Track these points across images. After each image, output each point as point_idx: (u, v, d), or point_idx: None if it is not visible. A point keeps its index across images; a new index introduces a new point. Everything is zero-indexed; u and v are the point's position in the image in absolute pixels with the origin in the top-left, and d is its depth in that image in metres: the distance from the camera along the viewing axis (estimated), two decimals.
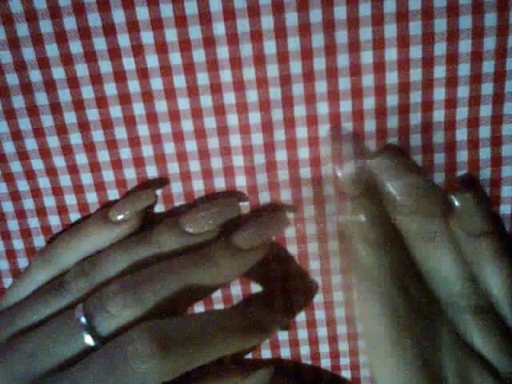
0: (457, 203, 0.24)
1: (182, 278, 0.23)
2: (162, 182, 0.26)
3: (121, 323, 0.22)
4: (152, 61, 0.24)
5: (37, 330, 0.23)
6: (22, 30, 0.23)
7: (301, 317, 0.29)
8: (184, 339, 0.21)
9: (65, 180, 0.26)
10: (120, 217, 0.25)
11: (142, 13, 0.23)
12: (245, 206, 0.26)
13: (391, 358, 0.22)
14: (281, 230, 0.26)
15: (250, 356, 0.30)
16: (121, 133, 0.25)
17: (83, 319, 0.22)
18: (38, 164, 0.26)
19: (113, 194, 0.26)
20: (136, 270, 0.23)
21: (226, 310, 0.24)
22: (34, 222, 0.27)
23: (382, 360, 0.23)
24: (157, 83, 0.24)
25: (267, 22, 0.23)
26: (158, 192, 0.26)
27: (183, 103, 0.25)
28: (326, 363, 0.30)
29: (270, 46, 0.23)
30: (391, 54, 0.24)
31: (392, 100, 0.24)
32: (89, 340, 0.22)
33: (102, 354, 0.21)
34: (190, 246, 0.24)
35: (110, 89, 0.24)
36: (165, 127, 0.25)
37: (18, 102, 0.25)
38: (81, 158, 0.26)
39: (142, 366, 0.20)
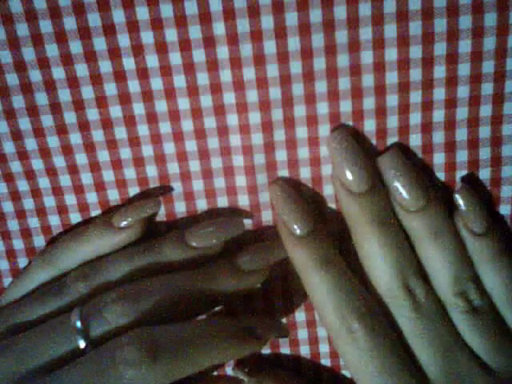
0: (460, 201, 0.24)
1: (183, 293, 0.23)
2: (165, 188, 0.26)
3: (116, 331, 0.22)
4: (152, 61, 0.24)
5: (30, 330, 0.23)
6: (22, 29, 0.23)
7: (301, 317, 0.29)
8: (174, 347, 0.21)
9: (65, 180, 0.26)
10: (123, 223, 0.25)
11: (142, 13, 0.23)
12: (245, 207, 0.26)
13: (377, 359, 0.23)
14: (284, 256, 0.26)
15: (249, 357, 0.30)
16: (121, 133, 0.25)
17: (78, 323, 0.22)
18: (37, 164, 0.26)
19: (113, 194, 0.26)
20: (137, 279, 0.23)
21: (219, 319, 0.24)
22: (33, 222, 0.27)
23: (364, 362, 0.23)
24: (157, 83, 0.24)
25: (267, 21, 0.23)
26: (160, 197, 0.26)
27: (183, 103, 0.25)
28: (325, 363, 0.30)
29: (269, 46, 0.23)
30: (391, 54, 0.24)
31: (392, 100, 0.24)
32: (81, 344, 0.22)
33: (91, 357, 0.21)
34: (193, 259, 0.24)
35: (110, 89, 0.24)
36: (165, 127, 0.25)
37: (18, 101, 0.25)
38: (81, 158, 0.26)
39: (129, 372, 0.20)
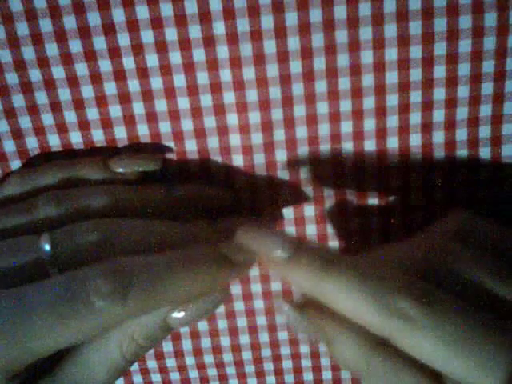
0: None
1: (159, 240, 0.22)
2: (166, 148, 0.26)
3: (86, 260, 0.20)
4: (152, 60, 0.24)
5: None
6: (22, 29, 0.23)
7: None
8: (148, 280, 0.19)
9: None
10: (119, 169, 0.24)
11: (142, 12, 0.23)
12: (243, 205, 0.26)
13: None
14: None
15: (250, 356, 0.30)
16: (121, 132, 0.25)
17: (47, 246, 0.21)
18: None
19: None
20: (113, 216, 0.22)
21: (194, 246, 0.22)
22: None
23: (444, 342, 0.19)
24: (157, 82, 0.24)
25: (267, 21, 0.23)
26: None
27: (183, 102, 0.25)
28: (325, 362, 0.30)
29: (269, 46, 0.23)
30: (391, 54, 0.24)
31: (392, 100, 0.24)
32: (49, 268, 0.21)
33: (60, 280, 0.19)
34: (177, 213, 0.24)
35: (110, 88, 0.24)
36: (164, 127, 0.25)
37: (18, 100, 0.25)
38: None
39: (100, 302, 0.19)
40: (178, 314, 0.21)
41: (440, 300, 0.19)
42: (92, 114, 0.25)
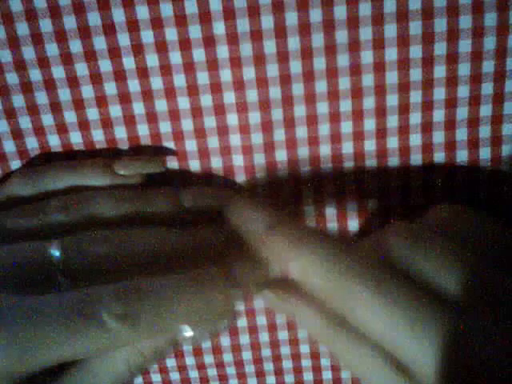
0: None
1: (167, 248, 0.22)
2: (168, 151, 0.26)
3: (94, 269, 0.21)
4: (152, 60, 0.24)
5: (6, 246, 0.22)
6: (22, 29, 0.23)
7: None
8: (159, 303, 0.20)
9: None
10: (123, 172, 0.24)
11: (142, 12, 0.23)
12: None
13: None
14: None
15: (250, 356, 0.30)
16: (121, 132, 0.25)
17: (57, 253, 0.21)
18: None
19: None
20: (120, 223, 0.23)
21: (204, 271, 0.22)
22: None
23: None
24: (157, 82, 0.24)
25: (267, 21, 0.23)
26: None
27: (183, 102, 0.25)
28: (325, 362, 0.30)
29: (269, 46, 0.23)
30: (391, 54, 0.24)
31: (392, 100, 0.24)
32: (58, 276, 0.21)
33: (75, 296, 0.20)
34: (182, 219, 0.24)
35: (110, 88, 0.24)
36: (165, 127, 0.25)
37: (18, 100, 0.25)
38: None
39: (113, 324, 0.19)
40: (188, 333, 0.21)
41: (393, 283, 0.20)
42: (92, 114, 0.25)
